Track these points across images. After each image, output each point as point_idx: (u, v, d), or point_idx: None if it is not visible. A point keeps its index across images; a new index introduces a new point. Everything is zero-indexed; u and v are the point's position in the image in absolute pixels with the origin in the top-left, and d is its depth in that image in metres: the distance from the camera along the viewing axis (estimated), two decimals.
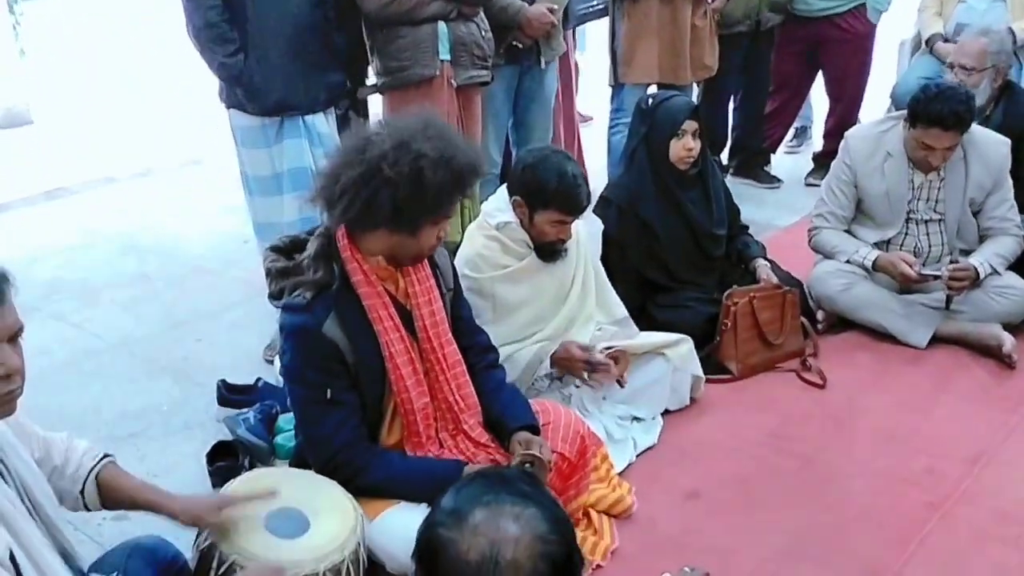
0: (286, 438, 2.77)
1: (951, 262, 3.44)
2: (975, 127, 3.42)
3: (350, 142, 2.16)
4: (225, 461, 2.70)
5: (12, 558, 1.37)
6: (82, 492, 1.82)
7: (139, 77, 7.80)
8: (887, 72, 5.36)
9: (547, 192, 2.73)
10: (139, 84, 7.70)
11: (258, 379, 3.14)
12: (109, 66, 7.97)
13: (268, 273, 2.22)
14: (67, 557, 1.64)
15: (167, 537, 1.98)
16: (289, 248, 2.27)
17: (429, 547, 1.19)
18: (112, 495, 1.84)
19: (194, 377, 3.44)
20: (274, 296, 2.20)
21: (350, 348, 2.14)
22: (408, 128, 2.10)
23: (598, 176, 4.49)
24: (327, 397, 2.12)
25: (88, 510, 1.87)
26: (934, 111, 3.23)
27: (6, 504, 1.44)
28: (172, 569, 1.88)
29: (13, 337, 1.48)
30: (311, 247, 2.19)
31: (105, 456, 1.88)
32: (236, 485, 1.98)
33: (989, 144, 3.45)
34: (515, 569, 1.14)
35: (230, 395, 3.10)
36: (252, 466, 2.70)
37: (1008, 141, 3.48)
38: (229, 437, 2.85)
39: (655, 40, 4.44)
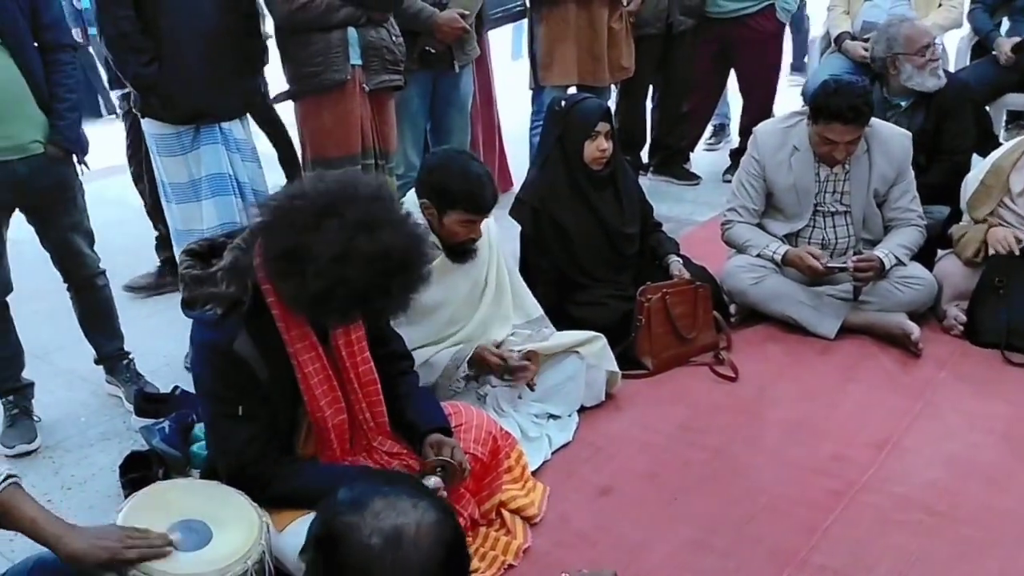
0: (201, 447, 2.75)
1: (856, 254, 3.54)
2: (877, 121, 3.53)
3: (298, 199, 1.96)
4: (138, 472, 2.69)
5: None
6: None
7: None
8: None
9: (453, 193, 2.78)
10: None
11: (175, 387, 3.12)
12: None
13: (182, 279, 2.14)
14: None
15: None
16: (207, 252, 2.19)
17: (330, 535, 1.29)
18: (10, 523, 1.77)
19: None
20: (187, 304, 2.13)
21: (263, 364, 2.09)
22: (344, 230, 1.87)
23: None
24: (238, 413, 2.09)
25: None
26: (833, 106, 3.33)
27: None
28: None
29: None
30: (226, 258, 2.09)
31: (9, 478, 1.79)
32: (135, 501, 1.96)
33: (892, 137, 3.55)
34: (415, 550, 1.26)
35: (147, 404, 3.09)
36: (167, 476, 2.69)
37: (909, 134, 3.60)
38: (145, 447, 2.83)
39: (573, 43, 4.52)
